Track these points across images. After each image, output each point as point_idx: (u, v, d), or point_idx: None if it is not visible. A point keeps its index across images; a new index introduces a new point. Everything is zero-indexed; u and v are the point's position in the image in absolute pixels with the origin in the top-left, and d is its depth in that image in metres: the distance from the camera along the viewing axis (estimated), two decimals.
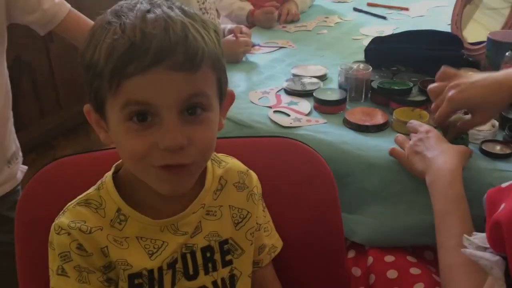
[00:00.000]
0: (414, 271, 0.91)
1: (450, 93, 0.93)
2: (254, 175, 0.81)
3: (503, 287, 0.51)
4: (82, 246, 0.66)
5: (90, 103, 0.64)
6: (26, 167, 1.27)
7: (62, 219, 0.68)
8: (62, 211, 0.70)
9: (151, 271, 0.70)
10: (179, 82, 0.58)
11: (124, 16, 0.59)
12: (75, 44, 1.20)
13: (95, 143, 2.87)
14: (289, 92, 1.25)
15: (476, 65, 1.28)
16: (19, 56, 2.51)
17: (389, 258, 0.95)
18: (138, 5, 0.60)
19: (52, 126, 2.88)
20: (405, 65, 1.32)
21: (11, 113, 1.21)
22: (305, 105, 1.19)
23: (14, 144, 1.23)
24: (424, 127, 0.96)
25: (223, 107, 0.70)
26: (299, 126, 1.10)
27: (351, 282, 0.96)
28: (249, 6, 1.82)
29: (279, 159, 0.92)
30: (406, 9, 1.97)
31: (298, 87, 1.26)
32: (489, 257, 0.52)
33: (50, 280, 0.69)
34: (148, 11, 0.59)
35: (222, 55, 0.65)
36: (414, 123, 0.99)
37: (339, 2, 2.12)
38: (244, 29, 1.53)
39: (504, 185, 0.55)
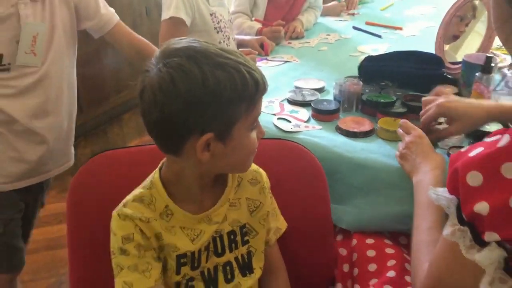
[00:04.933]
0: (389, 251, 1.11)
1: (440, 100, 1.13)
2: (263, 172, 1.02)
3: (457, 225, 0.69)
4: (142, 230, 0.87)
5: (213, 131, 0.79)
6: None
7: (125, 210, 0.87)
8: (123, 204, 0.89)
9: (193, 253, 0.91)
10: None
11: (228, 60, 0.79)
12: (120, 51, 1.42)
13: (111, 143, 3.13)
14: (291, 102, 1.46)
15: (454, 82, 1.49)
16: None
17: (369, 241, 1.15)
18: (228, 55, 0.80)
19: None
20: (392, 81, 1.52)
21: (75, 102, 1.43)
22: (304, 113, 1.40)
23: (74, 130, 1.46)
24: (418, 131, 1.12)
25: None
26: (299, 131, 1.31)
27: (338, 260, 1.17)
28: (257, 25, 2.03)
29: (280, 157, 1.13)
30: (400, 28, 2.18)
31: (299, 98, 1.47)
32: (446, 194, 0.71)
33: (113, 261, 0.88)
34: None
35: None
36: (407, 124, 1.15)
37: (340, 20, 2.33)
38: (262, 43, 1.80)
39: (463, 149, 0.73)
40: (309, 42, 2.02)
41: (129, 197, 0.90)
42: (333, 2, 2.48)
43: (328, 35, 2.11)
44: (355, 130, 1.29)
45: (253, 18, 2.08)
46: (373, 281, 1.06)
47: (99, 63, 3.12)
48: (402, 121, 1.18)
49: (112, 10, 1.38)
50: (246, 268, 0.97)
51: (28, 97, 1.22)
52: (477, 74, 1.35)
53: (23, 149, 1.26)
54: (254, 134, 0.86)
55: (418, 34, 2.11)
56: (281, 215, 1.07)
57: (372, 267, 1.09)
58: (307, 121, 1.37)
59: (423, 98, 1.19)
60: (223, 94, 0.76)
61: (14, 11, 1.15)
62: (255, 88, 0.80)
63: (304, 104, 1.44)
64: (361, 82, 1.43)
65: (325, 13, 2.40)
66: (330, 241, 1.15)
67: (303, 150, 1.14)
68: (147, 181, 0.92)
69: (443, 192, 0.72)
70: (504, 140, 0.63)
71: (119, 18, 1.40)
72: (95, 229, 1.04)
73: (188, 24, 1.69)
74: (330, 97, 1.49)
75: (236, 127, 0.81)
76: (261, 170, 1.01)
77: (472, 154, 0.66)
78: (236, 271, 0.96)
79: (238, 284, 0.96)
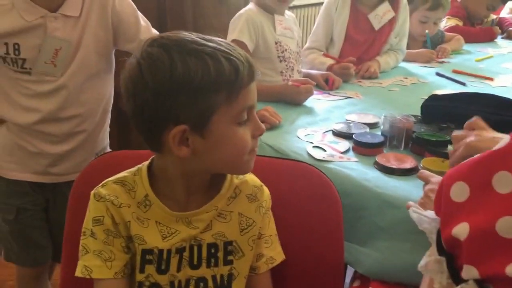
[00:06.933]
0: None
1: (470, 139, 0.96)
2: (266, 191, 0.92)
3: (434, 255, 0.54)
4: (113, 215, 0.82)
5: (187, 123, 0.73)
6: None
7: (101, 190, 0.84)
8: (102, 184, 0.86)
9: (161, 251, 0.83)
10: None
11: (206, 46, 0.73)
12: None
13: None
14: (335, 133, 1.35)
15: None
16: None
17: None
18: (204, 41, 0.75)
19: None
20: (456, 123, 1.34)
21: (109, 117, 1.46)
22: (345, 145, 1.28)
23: (105, 140, 1.48)
24: (436, 178, 0.98)
25: None
26: (330, 161, 1.19)
27: None
28: (329, 61, 1.96)
29: (294, 180, 1.03)
30: (491, 79, 1.96)
31: (344, 130, 1.35)
32: (430, 215, 0.56)
33: (81, 241, 0.85)
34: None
35: None
36: (425, 173, 0.99)
37: (425, 67, 2.17)
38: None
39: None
40: (381, 83, 1.89)
41: (112, 177, 0.86)
42: (421, 49, 2.33)
43: (405, 78, 1.96)
44: (394, 166, 1.14)
45: (322, 53, 2.01)
46: None
47: None
48: (420, 171, 1.02)
49: (155, 33, 1.40)
50: None
51: (42, 102, 1.26)
52: None
53: (36, 145, 1.30)
54: (244, 130, 0.77)
55: (510, 86, 1.88)
56: (283, 245, 0.95)
57: None
58: (345, 152, 1.24)
59: (453, 134, 1.03)
60: (193, 81, 0.71)
61: (42, 22, 1.19)
62: (234, 76, 0.73)
63: (347, 136, 1.32)
64: (412, 118, 1.28)
65: (412, 58, 2.26)
66: (337, 284, 1.00)
67: (321, 176, 1.02)
68: (136, 167, 0.87)
69: (428, 212, 0.57)
70: (503, 141, 0.48)
71: None
72: None
73: (251, 49, 1.67)
74: (379, 132, 1.35)
75: (214, 118, 0.74)
76: (265, 188, 0.92)
77: (465, 162, 0.52)
78: None
79: None
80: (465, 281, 0.48)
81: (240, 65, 0.73)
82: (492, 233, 0.44)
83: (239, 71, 0.73)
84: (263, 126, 0.80)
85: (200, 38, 0.75)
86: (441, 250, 0.52)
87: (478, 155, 0.49)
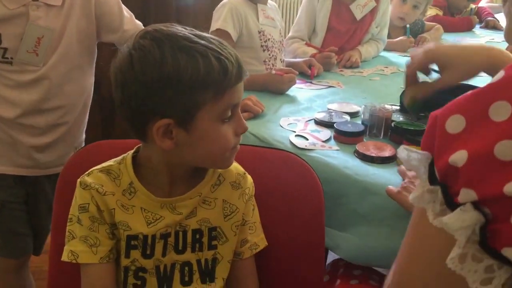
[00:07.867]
0: None
1: (428, 45, 0.97)
2: (249, 178, 0.95)
3: (427, 186, 0.52)
4: (97, 203, 0.85)
5: (173, 117, 0.76)
6: None
7: (87, 178, 0.86)
8: (87, 172, 0.88)
9: (145, 237, 0.86)
10: None
11: (199, 44, 0.75)
12: None
13: None
14: (317, 122, 1.38)
15: None
16: None
17: (353, 282, 1.03)
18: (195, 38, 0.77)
19: None
20: None
21: (88, 110, 1.46)
22: (326, 133, 1.31)
23: (83, 135, 1.49)
24: (412, 173, 1.01)
25: None
26: (312, 149, 1.22)
27: None
28: (312, 51, 1.99)
29: (276, 168, 1.06)
30: None
31: (325, 119, 1.38)
32: (419, 151, 0.53)
33: (67, 227, 0.88)
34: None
35: None
36: (402, 168, 1.05)
37: (405, 56, 2.21)
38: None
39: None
40: (362, 72, 1.93)
41: (97, 166, 0.89)
42: (400, 37, 2.37)
43: (386, 67, 2.00)
44: (373, 154, 1.18)
45: (304, 43, 2.04)
46: None
47: None
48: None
49: (139, 24, 1.40)
50: (207, 274, 0.90)
51: (24, 93, 1.26)
52: None
53: (16, 137, 1.30)
54: (227, 127, 0.81)
55: (487, 76, 1.93)
56: (265, 231, 0.98)
57: None
58: (326, 141, 1.28)
59: (411, 52, 1.04)
60: (182, 78, 0.74)
61: (24, 10, 1.19)
62: (222, 75, 0.76)
63: (329, 125, 1.36)
64: (391, 107, 1.32)
65: (391, 48, 2.30)
66: (318, 269, 1.04)
67: (302, 163, 1.06)
68: (121, 156, 0.90)
69: (417, 150, 0.58)
70: (498, 75, 0.49)
71: None
72: None
73: (234, 39, 1.69)
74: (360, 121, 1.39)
75: (199, 115, 0.77)
76: (248, 175, 0.95)
77: (460, 96, 0.51)
78: (196, 275, 0.89)
79: None
80: (461, 205, 0.48)
81: (230, 65, 0.76)
82: (490, 157, 0.44)
83: (228, 71, 0.76)
84: (246, 124, 0.84)
85: (193, 35, 0.77)
86: (433, 181, 0.53)
87: (474, 90, 0.51)
